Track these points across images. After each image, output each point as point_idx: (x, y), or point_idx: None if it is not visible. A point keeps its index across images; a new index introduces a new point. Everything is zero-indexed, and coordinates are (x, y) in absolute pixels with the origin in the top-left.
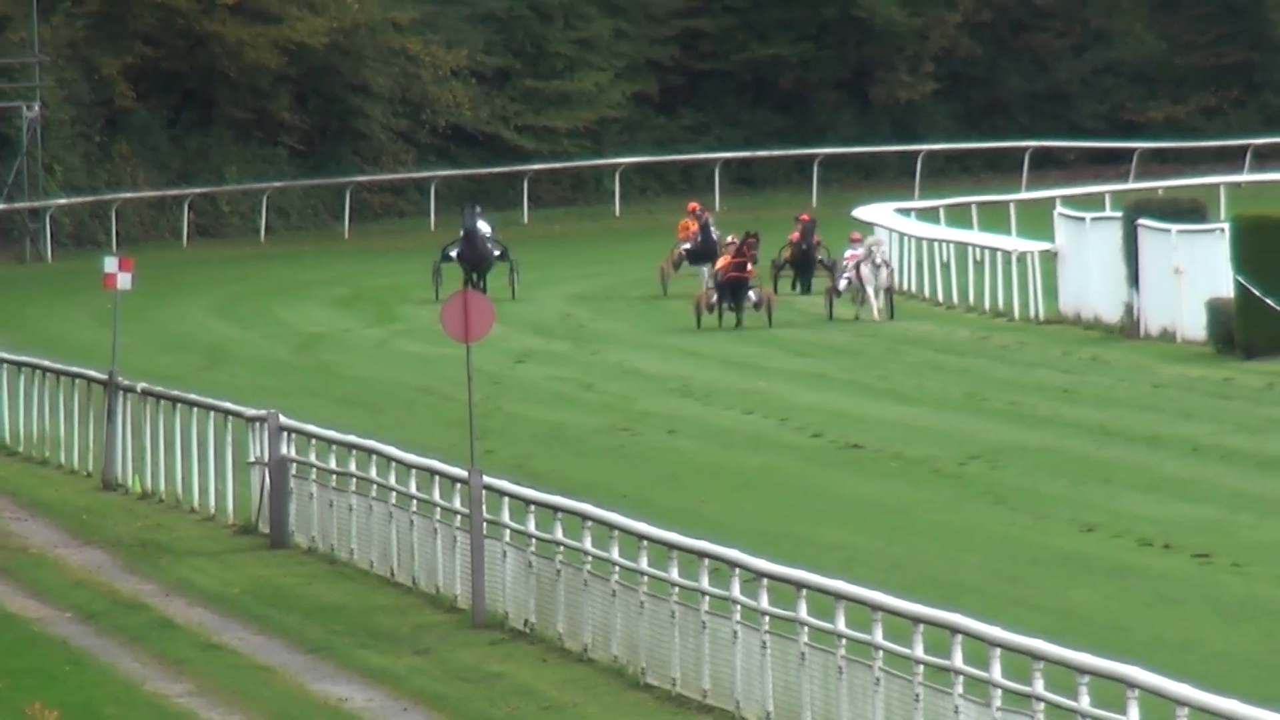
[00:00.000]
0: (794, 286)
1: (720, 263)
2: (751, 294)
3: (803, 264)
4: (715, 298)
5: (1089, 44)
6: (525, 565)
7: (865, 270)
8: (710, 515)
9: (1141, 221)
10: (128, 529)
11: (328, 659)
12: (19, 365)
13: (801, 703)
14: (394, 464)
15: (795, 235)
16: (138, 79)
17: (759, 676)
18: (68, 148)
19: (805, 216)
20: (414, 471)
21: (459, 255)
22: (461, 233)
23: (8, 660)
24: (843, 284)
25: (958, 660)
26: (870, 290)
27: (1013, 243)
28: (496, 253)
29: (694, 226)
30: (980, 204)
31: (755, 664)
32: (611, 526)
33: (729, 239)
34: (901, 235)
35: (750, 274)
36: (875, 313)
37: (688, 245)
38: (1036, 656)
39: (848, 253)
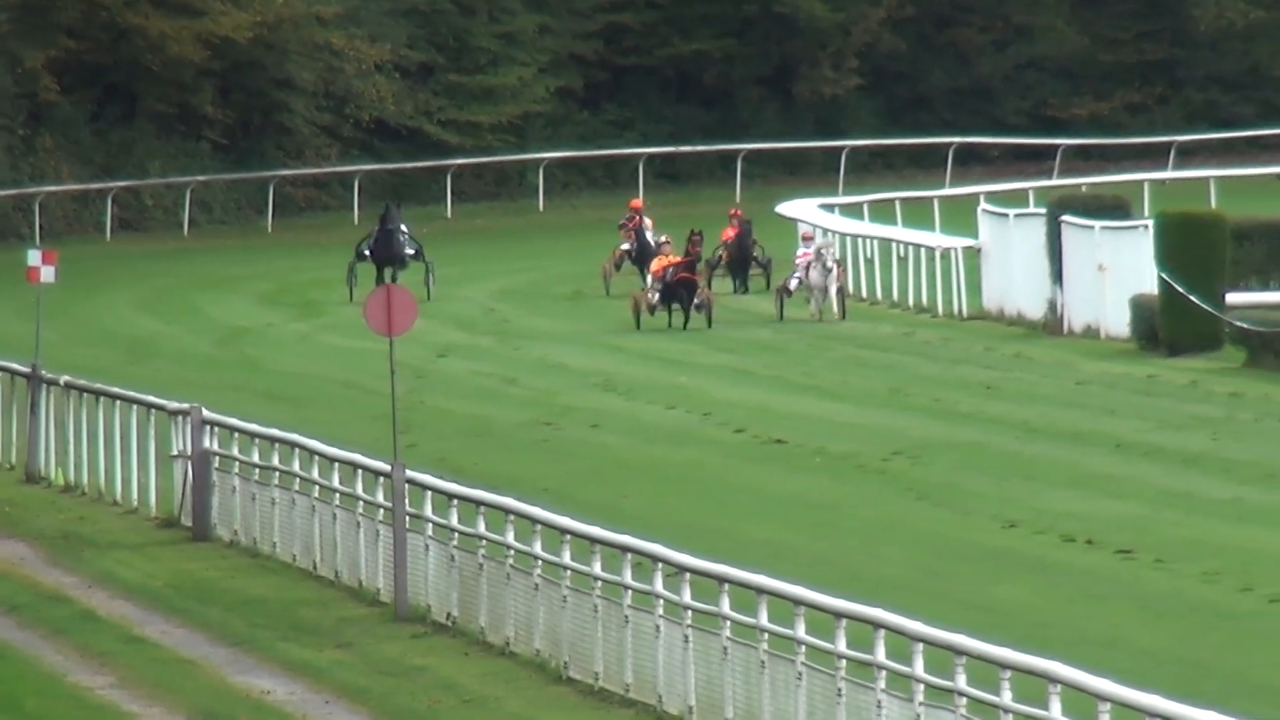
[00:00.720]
0: (734, 287)
1: (658, 263)
2: (696, 296)
3: (739, 263)
4: (656, 298)
5: (1012, 40)
6: (448, 559)
7: (814, 274)
8: (633, 510)
9: (1065, 218)
10: (50, 522)
11: (250, 652)
12: None
13: (724, 697)
14: (317, 458)
15: (728, 233)
16: (61, 72)
17: (681, 671)
18: None
19: (738, 213)
20: (337, 465)
21: (372, 252)
22: (376, 229)
23: None
24: (793, 284)
25: (880, 655)
26: (820, 291)
27: (937, 239)
28: (410, 252)
29: (636, 224)
30: (904, 200)
31: (678, 658)
32: (534, 521)
33: (662, 239)
34: (825, 231)
35: (698, 275)
36: (834, 312)
37: (627, 245)
38: (959, 652)
39: (799, 251)
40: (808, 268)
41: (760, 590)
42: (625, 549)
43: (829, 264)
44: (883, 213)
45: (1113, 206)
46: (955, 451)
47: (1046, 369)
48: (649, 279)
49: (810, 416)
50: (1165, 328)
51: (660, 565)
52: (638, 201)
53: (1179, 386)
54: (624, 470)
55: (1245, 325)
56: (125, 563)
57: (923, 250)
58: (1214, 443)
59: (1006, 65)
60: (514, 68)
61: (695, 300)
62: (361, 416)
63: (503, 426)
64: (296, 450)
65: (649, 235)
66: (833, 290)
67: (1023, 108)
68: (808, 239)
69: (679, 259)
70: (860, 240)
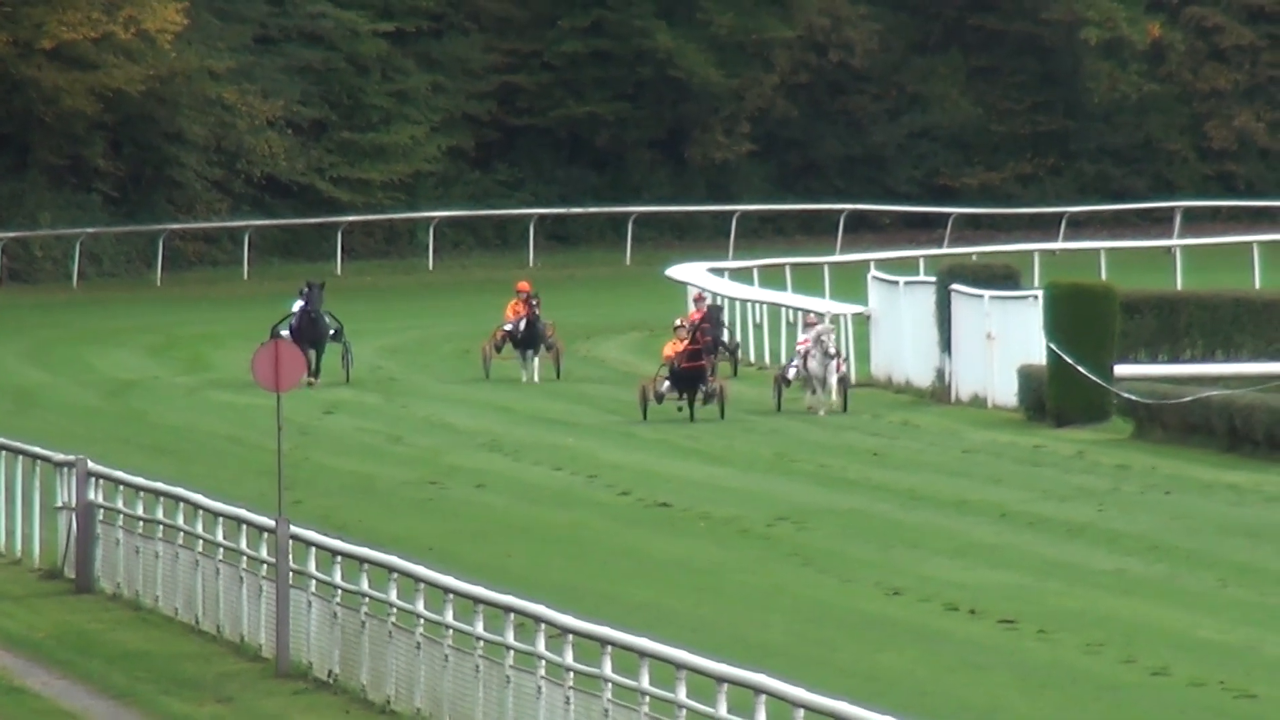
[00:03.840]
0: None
1: (670, 348)
2: (704, 385)
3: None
4: (666, 386)
5: (905, 108)
6: (330, 616)
7: (813, 362)
8: (517, 570)
9: (955, 287)
10: None
11: (131, 705)
12: None
13: None
14: (201, 511)
15: (694, 316)
16: None
17: None
18: None
19: (702, 296)
20: (221, 519)
21: (297, 334)
22: (297, 309)
23: None
24: (791, 372)
25: None
26: (819, 381)
27: (826, 305)
28: (331, 332)
29: (523, 309)
30: (794, 265)
31: (559, 719)
32: (417, 579)
33: (676, 321)
34: (714, 295)
35: (707, 363)
36: (828, 406)
37: (509, 327)
38: (840, 718)
39: (801, 338)
40: (806, 355)
41: (643, 653)
42: (508, 609)
43: (830, 350)
44: (773, 278)
45: (1002, 276)
46: (840, 518)
47: (933, 437)
48: (528, 360)
49: (695, 480)
50: (1053, 398)
51: (543, 626)
52: (525, 284)
53: (1065, 457)
54: (508, 531)
55: (1133, 397)
56: (7, 614)
57: (812, 316)
58: (1099, 514)
59: (899, 134)
60: (406, 126)
61: (705, 389)
62: (247, 471)
63: (388, 484)
64: (181, 504)
65: (540, 320)
66: (833, 380)
67: (914, 176)
68: (810, 324)
69: (689, 344)
70: (750, 305)
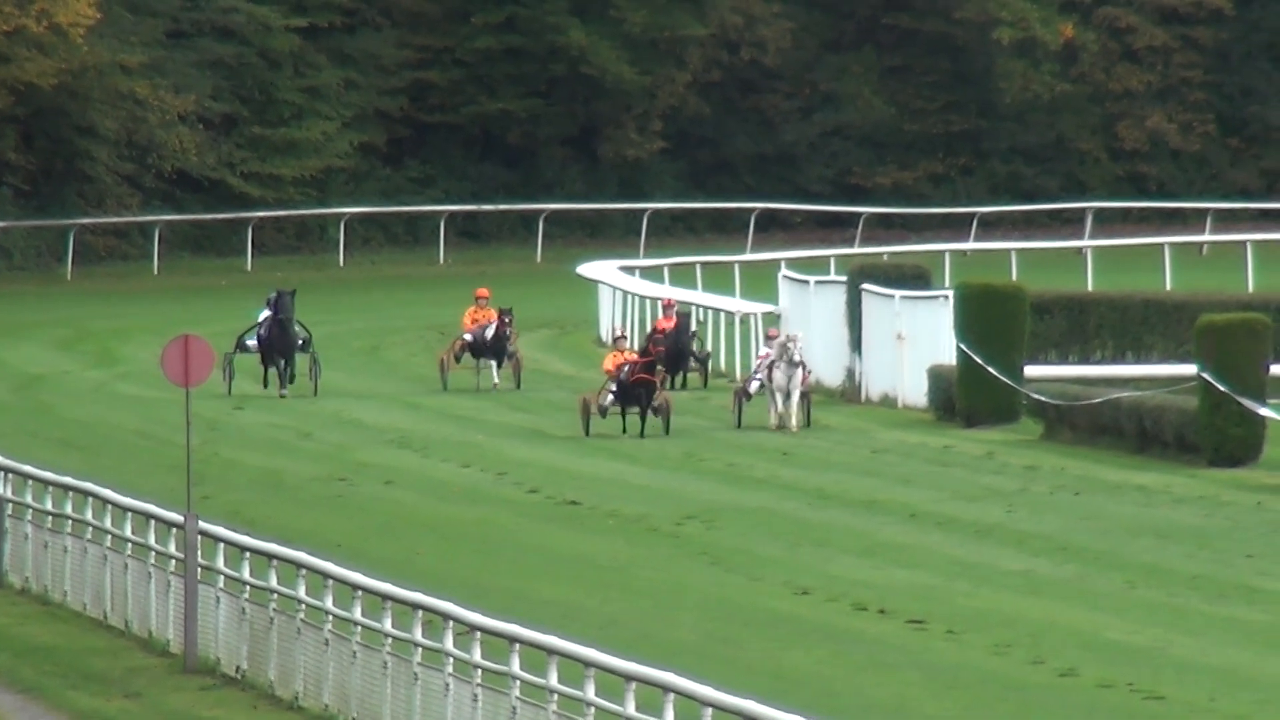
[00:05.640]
0: (670, 381)
1: (612, 360)
2: (653, 399)
3: (675, 356)
4: (610, 400)
5: (818, 107)
6: (238, 611)
7: (777, 374)
8: (425, 567)
9: (865, 286)
10: None
11: (38, 700)
12: None
13: None
14: (110, 507)
15: (662, 324)
16: None
17: None
18: None
19: (672, 303)
20: (130, 515)
21: (267, 344)
22: (266, 318)
23: None
24: (754, 386)
25: (669, 719)
26: (780, 397)
27: (736, 304)
28: (300, 342)
29: (485, 318)
30: (705, 264)
31: (467, 716)
32: (326, 575)
33: (619, 333)
34: (625, 293)
35: (659, 376)
36: (793, 421)
37: (469, 336)
38: (748, 717)
39: (760, 351)
40: (771, 368)
41: (551, 651)
42: (416, 606)
43: (795, 358)
44: (683, 276)
45: (913, 276)
46: (748, 517)
47: (842, 436)
48: (495, 370)
49: (604, 478)
50: (962, 398)
51: (451, 623)
52: (484, 290)
53: (974, 457)
54: (416, 527)
55: (1042, 398)
56: None
57: (722, 315)
58: (1008, 514)
59: (811, 132)
60: (318, 122)
61: (653, 403)
62: (156, 467)
63: (296, 480)
64: (90, 499)
65: (509, 330)
66: (795, 395)
67: (826, 175)
68: (771, 337)
69: (636, 357)
70: (660, 303)
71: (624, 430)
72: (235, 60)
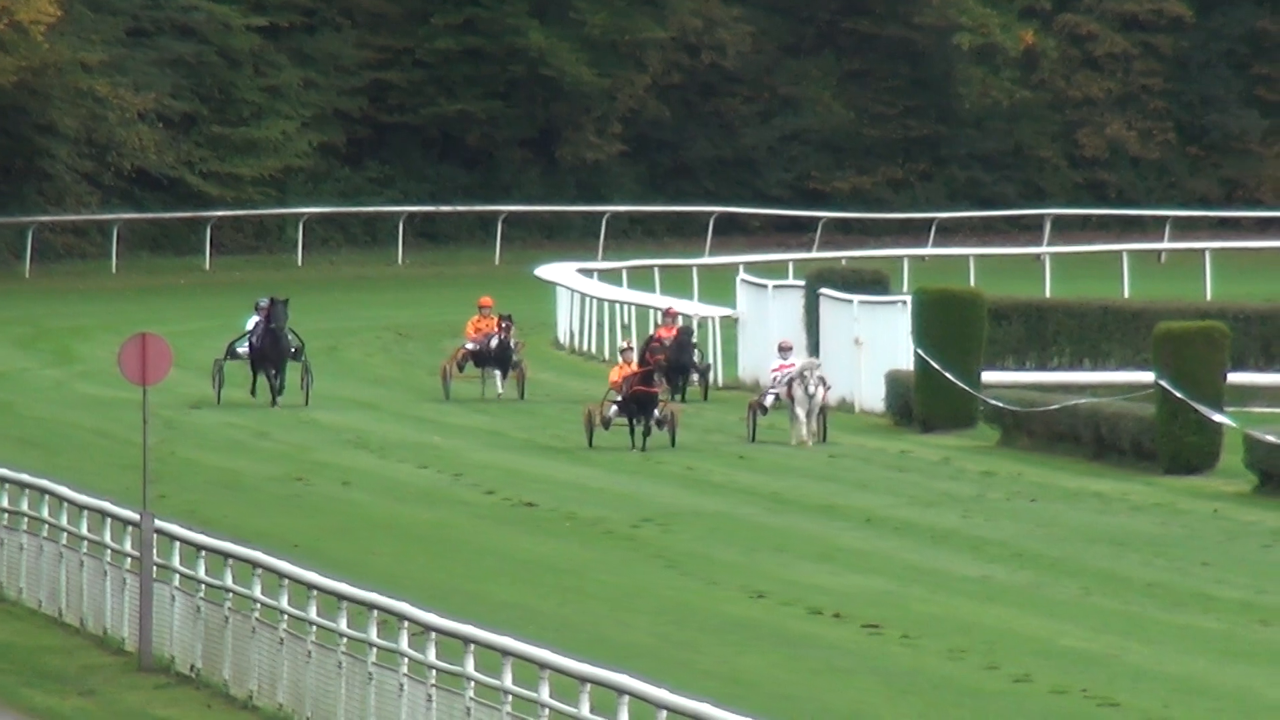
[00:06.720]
0: (672, 393)
1: (617, 373)
2: (656, 410)
3: (675, 367)
4: (614, 411)
5: (777, 111)
6: (194, 610)
7: (798, 390)
8: (381, 568)
9: (823, 291)
10: None
11: None
12: None
13: None
14: (66, 504)
15: (661, 333)
16: None
17: None
18: None
19: (674, 311)
20: (86, 513)
21: (258, 353)
22: (257, 326)
23: None
24: (769, 400)
25: None
26: (802, 411)
27: (694, 307)
28: (292, 350)
29: (489, 327)
30: (663, 267)
31: (421, 717)
32: (281, 575)
33: (623, 344)
34: (583, 296)
35: (658, 388)
36: (806, 435)
37: (473, 345)
38: None
39: (775, 364)
40: (789, 383)
41: (506, 652)
42: (371, 606)
43: (811, 388)
44: (642, 279)
45: (871, 281)
46: (705, 520)
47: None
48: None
49: (561, 481)
50: (920, 404)
51: (406, 624)
52: (488, 299)
53: (931, 463)
54: (373, 528)
55: (1000, 404)
56: None
57: (680, 318)
58: (964, 520)
59: (770, 136)
60: (277, 121)
61: (657, 415)
62: (113, 465)
63: (253, 480)
64: (46, 496)
65: (513, 340)
66: (811, 412)
67: (785, 179)
68: (785, 349)
69: (638, 369)
70: (618, 306)
71: (632, 446)
72: (195, 59)
